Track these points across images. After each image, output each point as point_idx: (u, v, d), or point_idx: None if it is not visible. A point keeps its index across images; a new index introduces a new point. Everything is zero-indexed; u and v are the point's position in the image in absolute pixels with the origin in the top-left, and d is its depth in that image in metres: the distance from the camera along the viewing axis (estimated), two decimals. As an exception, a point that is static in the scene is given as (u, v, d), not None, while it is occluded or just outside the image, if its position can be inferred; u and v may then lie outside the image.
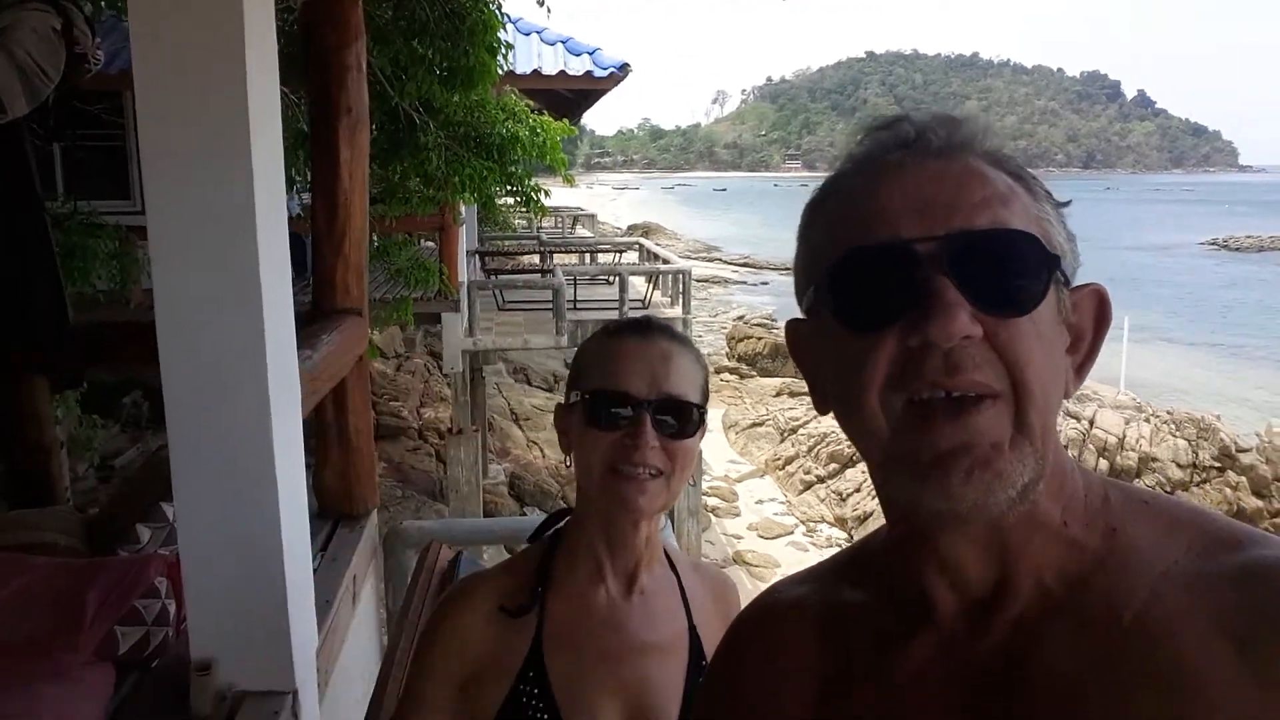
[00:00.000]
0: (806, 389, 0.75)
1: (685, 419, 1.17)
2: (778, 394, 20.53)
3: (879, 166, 0.68)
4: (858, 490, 13.99)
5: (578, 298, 11.95)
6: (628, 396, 1.16)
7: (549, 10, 5.58)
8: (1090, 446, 14.19)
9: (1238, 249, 59.52)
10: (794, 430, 16.99)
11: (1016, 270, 0.63)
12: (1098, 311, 0.69)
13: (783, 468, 15.99)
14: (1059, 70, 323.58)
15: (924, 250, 0.63)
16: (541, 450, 14.08)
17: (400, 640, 1.81)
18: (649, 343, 1.19)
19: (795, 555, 12.56)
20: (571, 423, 1.22)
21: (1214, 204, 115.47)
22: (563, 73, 9.53)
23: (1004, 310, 0.62)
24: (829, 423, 17.03)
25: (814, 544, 13.21)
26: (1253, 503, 13.13)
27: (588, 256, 17.59)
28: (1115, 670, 0.60)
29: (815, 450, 15.60)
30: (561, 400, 1.28)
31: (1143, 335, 22.03)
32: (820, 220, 0.71)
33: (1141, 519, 0.67)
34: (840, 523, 13.75)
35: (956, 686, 0.66)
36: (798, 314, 0.74)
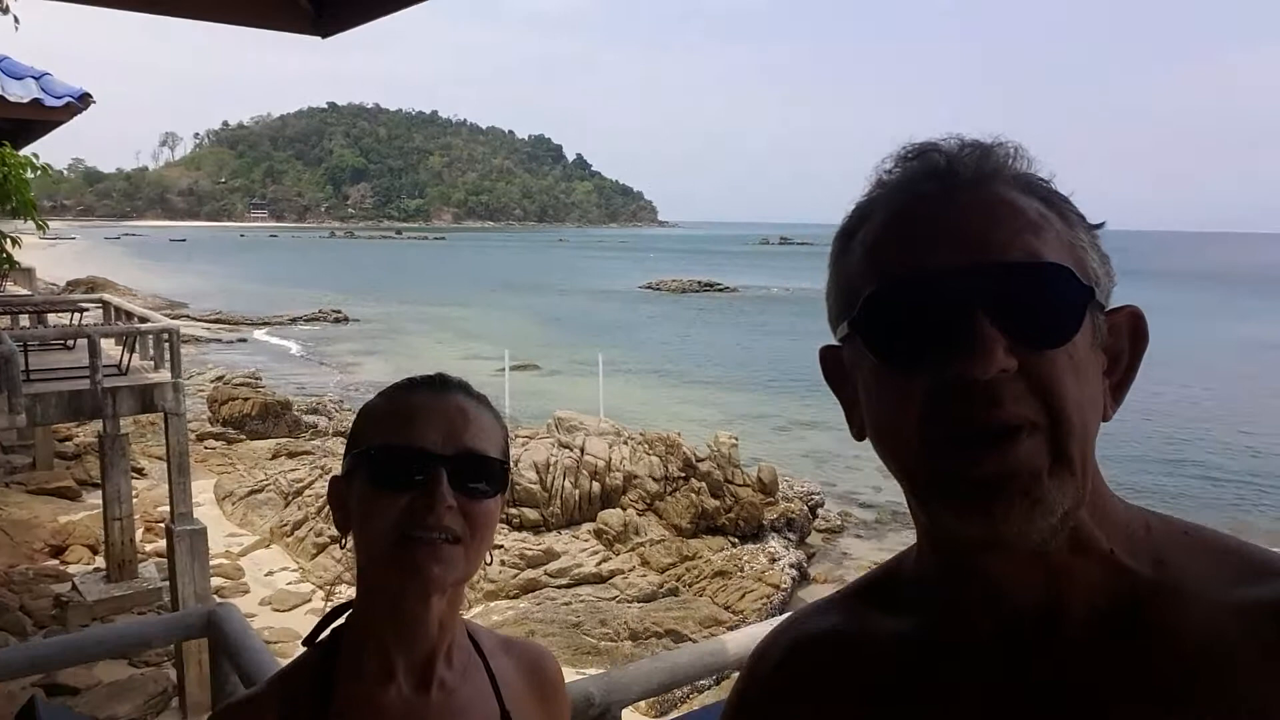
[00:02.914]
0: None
1: (487, 476, 1.06)
2: (274, 456, 19.19)
3: (910, 198, 0.68)
4: (376, 544, 13.69)
5: (30, 366, 9.99)
6: (421, 452, 1.02)
7: (16, 20, 4.61)
8: (584, 471, 15.61)
9: (666, 290, 70.72)
10: (299, 493, 16.03)
11: (1051, 303, 0.63)
12: (1134, 332, 0.70)
13: (291, 533, 15.00)
14: (510, 132, 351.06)
15: (957, 285, 0.63)
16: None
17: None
18: (444, 397, 1.08)
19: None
20: (351, 492, 1.05)
21: (642, 251, 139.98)
22: (2, 99, 7.93)
23: (1039, 343, 0.62)
24: (339, 480, 16.49)
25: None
26: (711, 502, 15.54)
27: (26, 318, 14.78)
28: (1182, 698, 0.61)
29: (324, 510, 14.89)
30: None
31: (608, 369, 24.98)
32: (852, 250, 0.71)
33: (1186, 549, 0.69)
34: (361, 581, 13.32)
35: (1004, 711, 0.66)
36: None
